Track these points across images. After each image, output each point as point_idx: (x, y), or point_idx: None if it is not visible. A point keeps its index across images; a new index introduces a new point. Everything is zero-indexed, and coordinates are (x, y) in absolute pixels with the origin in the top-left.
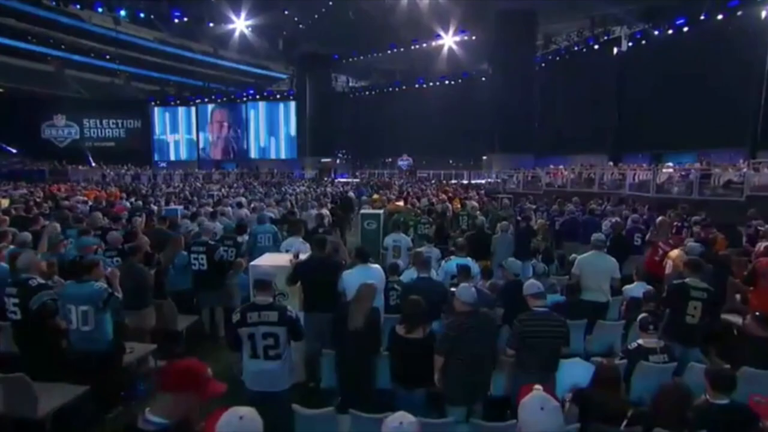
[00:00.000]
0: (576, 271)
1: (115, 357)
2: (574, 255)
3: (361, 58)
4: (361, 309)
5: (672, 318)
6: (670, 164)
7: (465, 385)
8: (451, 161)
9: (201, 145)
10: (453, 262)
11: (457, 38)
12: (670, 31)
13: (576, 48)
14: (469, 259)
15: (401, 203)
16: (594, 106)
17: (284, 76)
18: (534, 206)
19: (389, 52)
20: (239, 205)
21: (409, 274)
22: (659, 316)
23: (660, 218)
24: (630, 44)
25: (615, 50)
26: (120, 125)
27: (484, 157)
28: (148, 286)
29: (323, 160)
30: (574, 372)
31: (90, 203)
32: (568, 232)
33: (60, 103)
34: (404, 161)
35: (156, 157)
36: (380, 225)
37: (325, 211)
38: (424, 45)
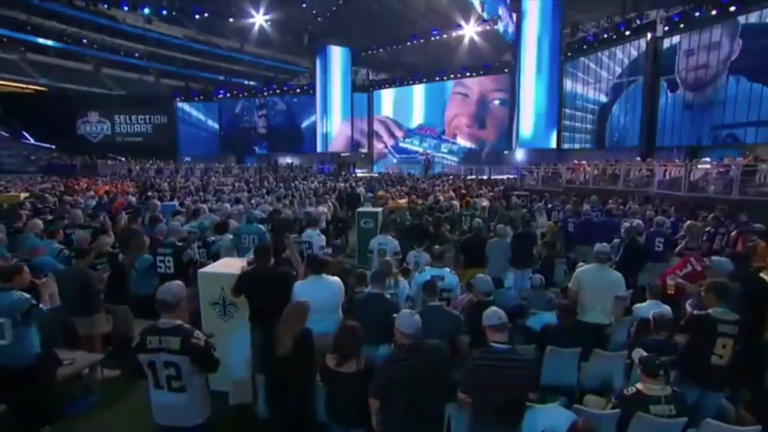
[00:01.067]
0: (573, 286)
1: (41, 372)
2: (581, 264)
3: (381, 51)
4: (289, 331)
5: (691, 354)
6: (708, 159)
7: None
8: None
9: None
10: (427, 273)
11: (479, 28)
12: (714, 12)
13: (605, 35)
14: (447, 270)
15: (403, 201)
16: (623, 97)
17: (305, 70)
18: (547, 205)
19: (409, 44)
20: (237, 200)
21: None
22: (671, 347)
23: (689, 222)
24: (666, 28)
25: (649, 36)
26: (147, 121)
27: (506, 152)
28: (95, 291)
29: (343, 154)
30: (548, 422)
31: (96, 198)
32: (582, 234)
33: (93, 101)
34: (423, 156)
35: (181, 152)
36: (377, 224)
37: (323, 209)
38: (445, 36)
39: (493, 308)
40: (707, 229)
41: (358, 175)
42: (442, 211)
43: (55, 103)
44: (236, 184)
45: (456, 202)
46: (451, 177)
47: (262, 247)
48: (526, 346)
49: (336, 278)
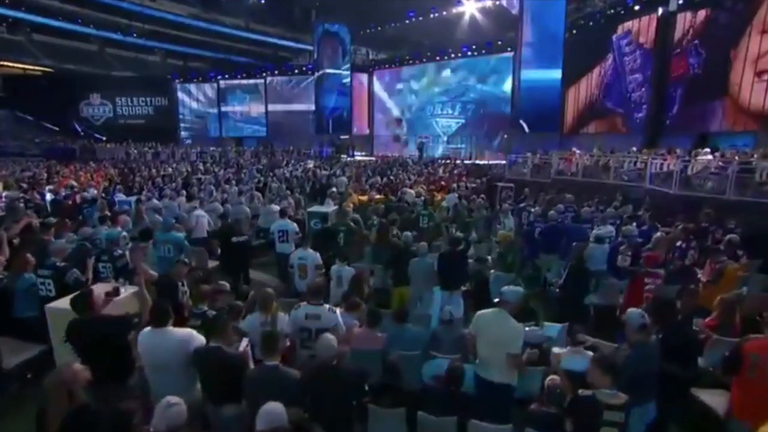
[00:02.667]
0: (472, 329)
1: None
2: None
3: (379, 29)
4: (55, 411)
5: None
6: (708, 150)
7: None
8: (473, 140)
9: (224, 121)
10: (302, 311)
11: (479, 4)
12: None
13: (612, 10)
14: (325, 307)
15: (365, 197)
16: (631, 78)
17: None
18: (520, 204)
19: (407, 21)
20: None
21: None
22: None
23: (657, 234)
24: (680, 2)
25: (660, 10)
26: (149, 103)
27: (505, 136)
28: None
29: (342, 137)
30: None
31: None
32: (547, 242)
33: (96, 82)
34: (425, 139)
35: (182, 134)
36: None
37: (275, 207)
38: (444, 13)
39: None
40: (678, 243)
41: (355, 159)
42: (401, 212)
43: (59, 84)
44: (222, 171)
45: (420, 200)
46: (444, 163)
47: (80, 295)
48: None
49: (184, 332)
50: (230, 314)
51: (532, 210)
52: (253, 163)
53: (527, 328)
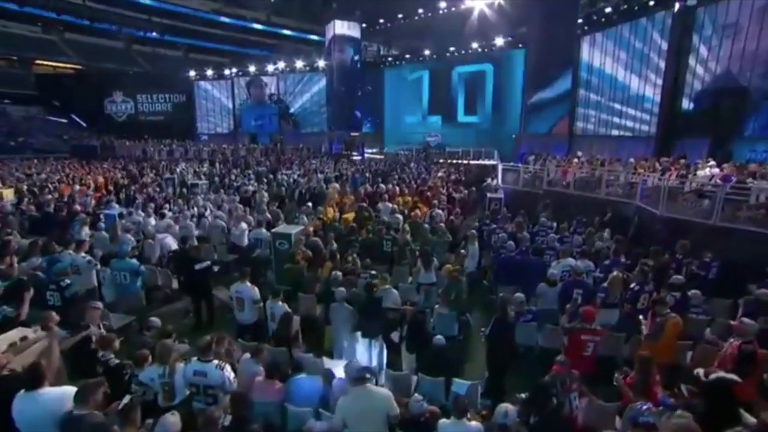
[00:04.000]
0: (337, 423)
1: None
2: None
3: (389, 25)
4: None
5: None
6: (714, 163)
7: None
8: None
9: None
10: (191, 368)
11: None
12: None
13: (625, 6)
14: (213, 364)
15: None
16: (645, 79)
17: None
18: (490, 226)
19: (416, 18)
20: (162, 215)
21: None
22: None
23: (614, 274)
24: None
25: (677, 6)
26: (167, 100)
27: (513, 136)
28: None
29: (353, 134)
30: None
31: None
32: (505, 274)
33: (119, 80)
34: (433, 137)
35: (199, 129)
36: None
37: (244, 226)
38: (453, 9)
39: None
40: (632, 285)
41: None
42: (369, 231)
43: (87, 82)
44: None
45: (396, 217)
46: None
47: None
48: None
49: (57, 393)
50: (133, 365)
51: (499, 235)
52: (259, 162)
53: (415, 397)
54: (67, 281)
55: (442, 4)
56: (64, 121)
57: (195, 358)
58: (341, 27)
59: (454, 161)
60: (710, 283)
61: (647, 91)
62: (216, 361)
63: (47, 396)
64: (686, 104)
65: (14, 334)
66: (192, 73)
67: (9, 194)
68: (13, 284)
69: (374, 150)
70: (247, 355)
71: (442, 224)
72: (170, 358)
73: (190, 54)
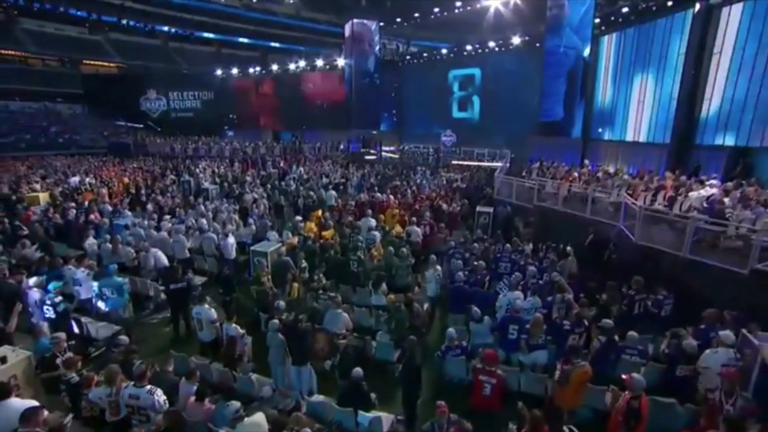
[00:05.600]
0: None
1: None
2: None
3: (405, 24)
4: None
5: None
6: (714, 183)
7: None
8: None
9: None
10: (127, 392)
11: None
12: None
13: (644, 5)
14: (146, 389)
15: (326, 231)
16: (662, 81)
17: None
18: (454, 249)
19: (432, 17)
20: (157, 228)
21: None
22: None
23: (536, 315)
24: None
25: (697, 6)
26: (196, 97)
27: (527, 137)
28: None
29: (373, 132)
30: None
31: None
32: (454, 303)
33: (153, 77)
34: (448, 137)
35: (226, 127)
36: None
37: (231, 240)
38: (468, 8)
39: None
40: (565, 325)
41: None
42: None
43: (125, 80)
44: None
45: (374, 234)
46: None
47: None
48: None
49: (21, 405)
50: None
51: (454, 262)
52: (274, 162)
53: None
54: (59, 299)
55: (458, 3)
56: (105, 118)
57: (131, 383)
58: (360, 26)
59: (467, 162)
60: (663, 320)
61: (664, 96)
62: (149, 386)
63: (10, 406)
64: (705, 111)
65: None
66: (219, 72)
67: (45, 198)
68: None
69: (392, 148)
70: (183, 378)
71: (419, 240)
72: (117, 380)
73: (222, 49)
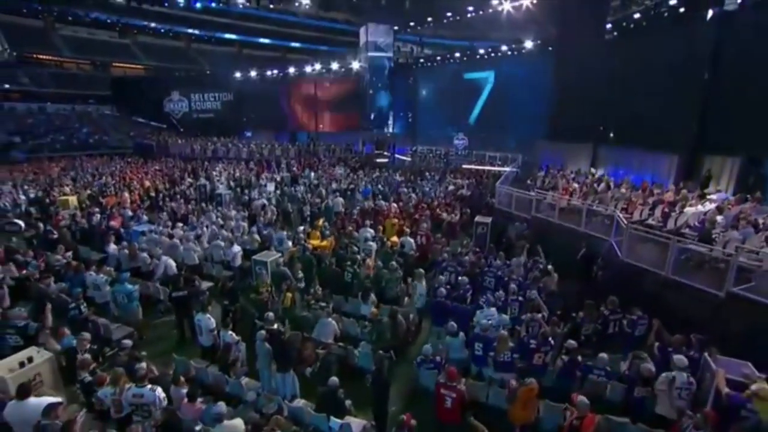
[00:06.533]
0: None
1: None
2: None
3: (419, 28)
4: None
5: None
6: (722, 190)
7: None
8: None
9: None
10: (131, 392)
11: (516, 3)
12: None
13: (655, 11)
14: (147, 387)
15: (324, 241)
16: (674, 88)
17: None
18: (441, 264)
19: (445, 21)
20: (170, 236)
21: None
22: None
23: (501, 332)
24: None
25: (710, 12)
26: (217, 98)
27: (538, 141)
28: None
29: (386, 133)
30: None
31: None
32: (435, 317)
33: (176, 79)
34: (460, 141)
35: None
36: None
37: (236, 248)
38: (481, 12)
39: None
40: (531, 343)
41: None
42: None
43: (151, 82)
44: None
45: (370, 244)
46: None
47: None
48: None
49: (40, 403)
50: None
51: (440, 277)
52: (288, 165)
53: None
54: (73, 304)
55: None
56: (132, 119)
57: (133, 384)
58: (374, 30)
59: (476, 167)
60: (637, 340)
61: (676, 101)
62: (150, 385)
63: (31, 404)
64: (718, 118)
65: (23, 354)
66: (238, 74)
67: (74, 201)
68: (36, 304)
69: (407, 148)
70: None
71: (413, 251)
72: (121, 382)
73: (243, 50)
